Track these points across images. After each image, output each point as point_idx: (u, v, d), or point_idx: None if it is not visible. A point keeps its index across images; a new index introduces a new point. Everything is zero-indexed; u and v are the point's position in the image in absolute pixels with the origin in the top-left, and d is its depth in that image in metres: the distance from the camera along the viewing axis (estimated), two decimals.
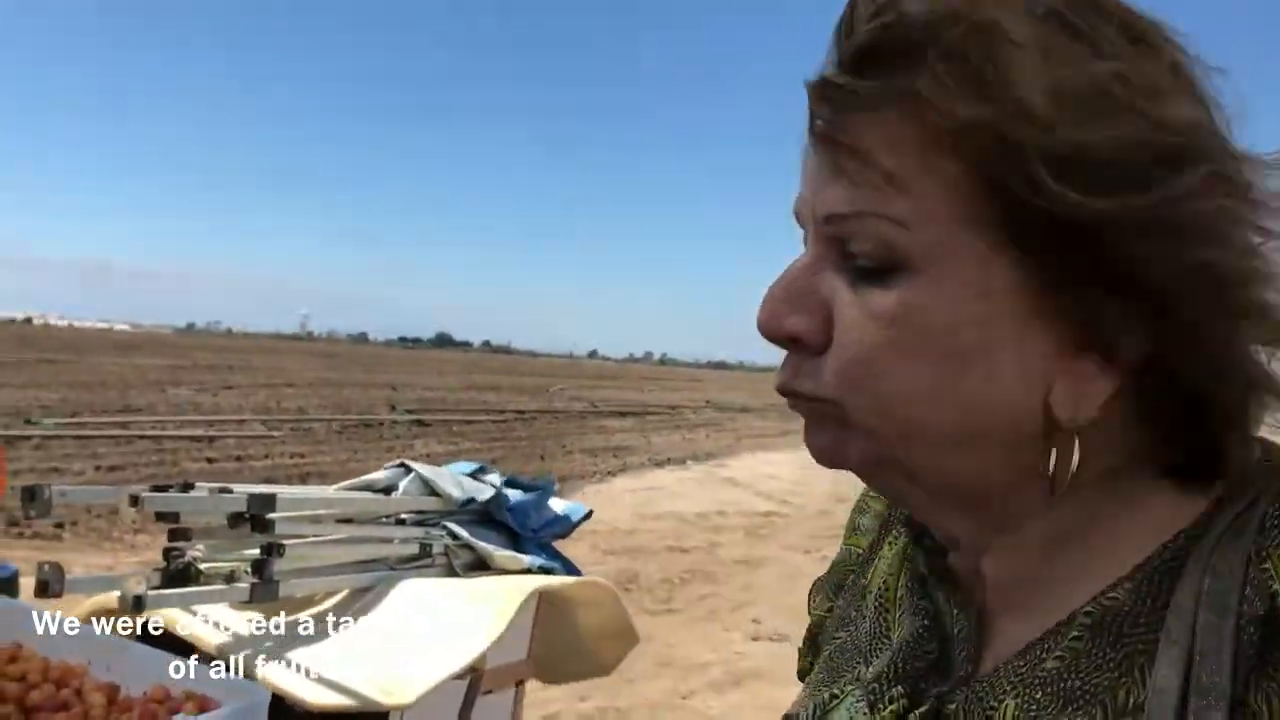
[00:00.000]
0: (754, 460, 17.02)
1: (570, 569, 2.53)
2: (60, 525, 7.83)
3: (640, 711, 4.98)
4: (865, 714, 0.61)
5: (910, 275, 0.53)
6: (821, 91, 0.55)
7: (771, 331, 0.57)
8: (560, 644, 2.46)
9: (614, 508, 10.48)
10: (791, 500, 12.59)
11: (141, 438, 13.85)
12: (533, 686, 2.60)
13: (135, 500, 1.63)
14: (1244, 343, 0.53)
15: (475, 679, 2.06)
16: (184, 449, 13.14)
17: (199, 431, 15.01)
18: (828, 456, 0.59)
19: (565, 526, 2.64)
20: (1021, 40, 0.50)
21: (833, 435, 0.58)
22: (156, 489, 1.71)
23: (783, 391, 0.59)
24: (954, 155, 0.51)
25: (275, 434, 15.59)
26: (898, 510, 0.74)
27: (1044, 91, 0.49)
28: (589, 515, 2.76)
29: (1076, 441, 0.54)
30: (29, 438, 12.67)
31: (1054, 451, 0.54)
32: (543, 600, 2.31)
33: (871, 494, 0.78)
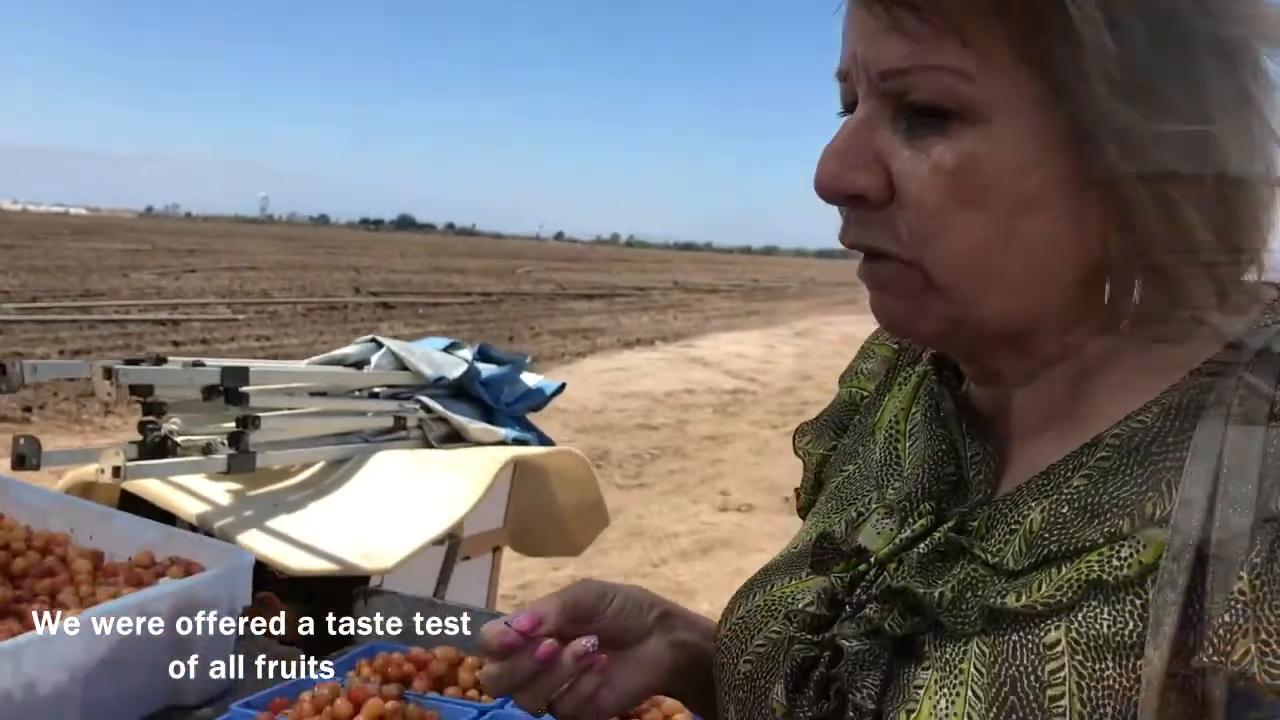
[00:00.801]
0: (721, 340, 17.06)
1: (544, 441, 2.57)
2: (28, 409, 7.79)
3: (613, 579, 5.10)
4: (893, 529, 0.63)
5: (972, 125, 0.54)
6: None
7: (833, 190, 0.58)
8: (535, 514, 2.51)
9: (584, 388, 10.56)
10: (759, 378, 12.73)
11: (105, 322, 13.69)
12: (508, 557, 2.66)
13: (109, 373, 1.63)
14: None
15: (454, 545, 2.12)
16: (148, 332, 13.01)
17: (163, 315, 14.83)
18: (900, 324, 0.61)
19: (538, 400, 2.67)
20: None
21: (908, 302, 0.59)
22: (130, 362, 1.70)
23: (854, 246, 0.59)
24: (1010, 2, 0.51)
25: (240, 317, 15.45)
26: (907, 353, 0.76)
27: None
28: (562, 389, 2.79)
29: (1138, 280, 0.56)
30: None
31: (1117, 287, 0.56)
32: (518, 469, 2.35)
33: (878, 340, 0.80)
